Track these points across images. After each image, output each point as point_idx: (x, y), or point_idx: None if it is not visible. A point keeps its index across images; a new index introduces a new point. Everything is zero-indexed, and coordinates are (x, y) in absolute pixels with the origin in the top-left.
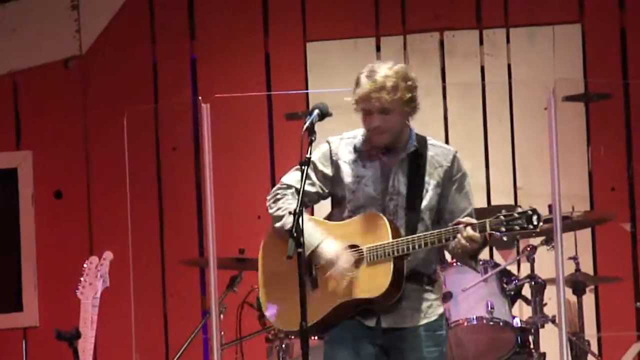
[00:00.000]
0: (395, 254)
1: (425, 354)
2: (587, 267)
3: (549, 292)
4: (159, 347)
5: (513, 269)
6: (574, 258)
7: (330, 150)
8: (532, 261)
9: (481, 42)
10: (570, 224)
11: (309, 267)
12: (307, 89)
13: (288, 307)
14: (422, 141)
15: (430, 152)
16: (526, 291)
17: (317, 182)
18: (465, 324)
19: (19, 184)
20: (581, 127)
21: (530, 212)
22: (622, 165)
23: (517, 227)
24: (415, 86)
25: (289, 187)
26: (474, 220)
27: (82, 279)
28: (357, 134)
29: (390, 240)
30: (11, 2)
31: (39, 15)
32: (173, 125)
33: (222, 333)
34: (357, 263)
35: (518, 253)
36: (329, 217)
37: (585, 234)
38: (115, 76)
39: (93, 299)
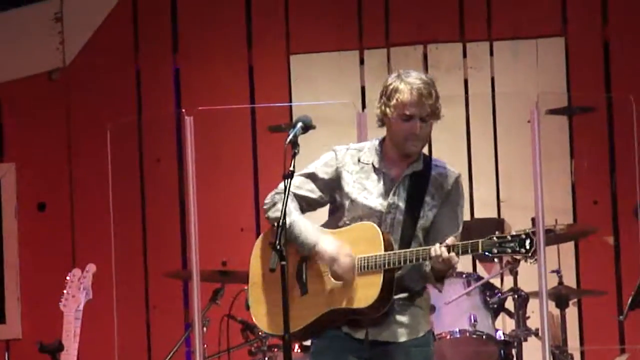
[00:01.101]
0: (386, 266)
1: None
2: (570, 280)
3: (532, 305)
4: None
5: (496, 282)
6: (557, 271)
7: (336, 158)
8: (515, 274)
9: (465, 55)
10: (553, 237)
11: (299, 271)
12: (290, 101)
13: (274, 310)
14: (427, 160)
15: (433, 172)
16: (509, 304)
17: (317, 190)
18: (448, 337)
19: (1, 196)
20: (564, 140)
21: (524, 236)
22: (605, 179)
23: (509, 250)
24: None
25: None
26: (450, 240)
27: (65, 291)
28: (364, 146)
29: (383, 252)
30: None
31: (23, 27)
32: (156, 137)
33: (205, 346)
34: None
35: (501, 266)
36: (324, 225)
37: (568, 247)
38: (99, 88)
39: (76, 311)
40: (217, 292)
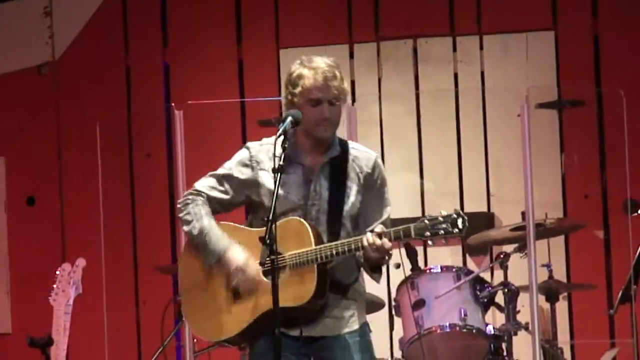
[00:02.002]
0: (319, 260)
1: (355, 357)
2: (560, 274)
3: (522, 300)
4: (131, 354)
5: (486, 276)
6: (547, 265)
7: (250, 156)
8: (505, 268)
9: (454, 49)
10: (543, 231)
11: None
12: (280, 95)
13: (207, 316)
14: (344, 145)
15: (351, 157)
16: (499, 298)
17: (231, 191)
18: (438, 331)
19: None
20: (554, 134)
21: (455, 216)
22: (595, 172)
23: (441, 232)
24: None
25: (199, 193)
26: (380, 227)
27: (54, 286)
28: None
29: (314, 247)
30: None
31: (12, 21)
32: (146, 131)
33: (195, 340)
34: (280, 271)
35: (491, 260)
36: (250, 223)
37: (558, 241)
38: (88, 82)
39: (66, 306)
40: None
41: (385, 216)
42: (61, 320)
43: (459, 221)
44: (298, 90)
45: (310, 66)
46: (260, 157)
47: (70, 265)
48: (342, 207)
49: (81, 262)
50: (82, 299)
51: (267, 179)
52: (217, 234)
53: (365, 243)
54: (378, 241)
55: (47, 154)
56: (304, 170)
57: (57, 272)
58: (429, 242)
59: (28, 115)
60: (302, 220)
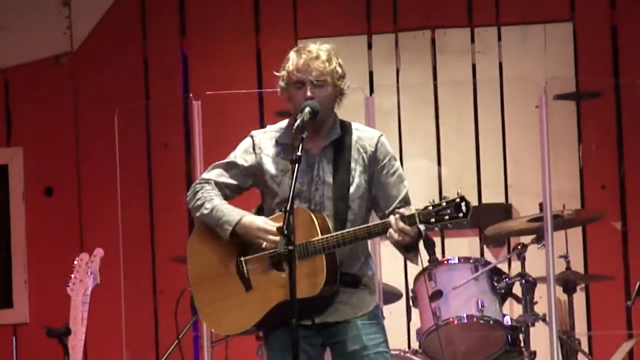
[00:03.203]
0: (326, 250)
1: (367, 340)
2: (577, 265)
3: (540, 291)
4: (149, 344)
5: (504, 267)
6: (565, 256)
7: (253, 144)
8: (522, 259)
9: (472, 40)
10: (561, 222)
11: (240, 269)
12: None
13: (220, 309)
14: (346, 127)
15: (354, 137)
16: (517, 289)
17: (237, 178)
18: (456, 322)
19: (9, 180)
20: (572, 126)
21: (458, 200)
22: (612, 164)
23: (447, 217)
24: (344, 72)
25: (207, 181)
26: (403, 211)
27: (72, 275)
28: (280, 128)
29: (320, 236)
30: None
31: (30, 11)
32: (164, 122)
33: (212, 330)
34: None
35: (509, 251)
36: (260, 209)
37: (576, 233)
38: (106, 73)
39: (83, 295)
40: None
41: (403, 192)
42: (79, 310)
43: (463, 205)
44: (283, 73)
45: (298, 49)
46: (263, 144)
47: (88, 255)
48: (348, 190)
49: (99, 252)
50: (99, 289)
51: (269, 165)
52: (229, 207)
53: (388, 232)
54: (401, 225)
55: (65, 144)
56: (305, 156)
57: (75, 262)
58: (435, 228)
59: (46, 105)
60: (306, 209)
